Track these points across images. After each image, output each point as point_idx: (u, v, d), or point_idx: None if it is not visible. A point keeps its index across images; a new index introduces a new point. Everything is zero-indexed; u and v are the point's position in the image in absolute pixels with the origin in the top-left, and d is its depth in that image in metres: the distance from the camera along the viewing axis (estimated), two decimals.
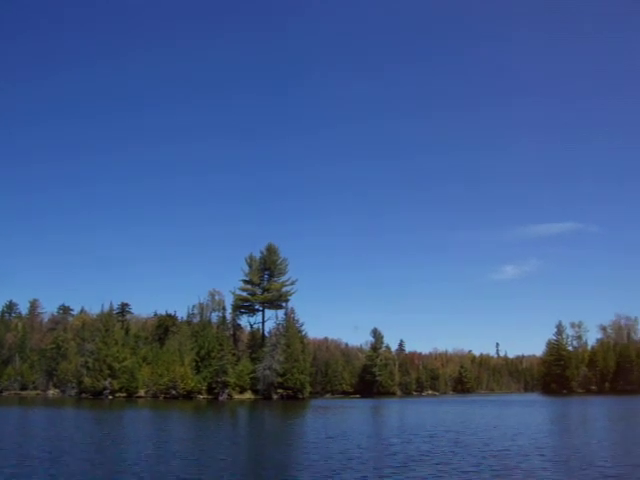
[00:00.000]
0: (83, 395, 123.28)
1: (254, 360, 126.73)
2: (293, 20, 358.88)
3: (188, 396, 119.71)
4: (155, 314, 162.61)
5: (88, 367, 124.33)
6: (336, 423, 50.82)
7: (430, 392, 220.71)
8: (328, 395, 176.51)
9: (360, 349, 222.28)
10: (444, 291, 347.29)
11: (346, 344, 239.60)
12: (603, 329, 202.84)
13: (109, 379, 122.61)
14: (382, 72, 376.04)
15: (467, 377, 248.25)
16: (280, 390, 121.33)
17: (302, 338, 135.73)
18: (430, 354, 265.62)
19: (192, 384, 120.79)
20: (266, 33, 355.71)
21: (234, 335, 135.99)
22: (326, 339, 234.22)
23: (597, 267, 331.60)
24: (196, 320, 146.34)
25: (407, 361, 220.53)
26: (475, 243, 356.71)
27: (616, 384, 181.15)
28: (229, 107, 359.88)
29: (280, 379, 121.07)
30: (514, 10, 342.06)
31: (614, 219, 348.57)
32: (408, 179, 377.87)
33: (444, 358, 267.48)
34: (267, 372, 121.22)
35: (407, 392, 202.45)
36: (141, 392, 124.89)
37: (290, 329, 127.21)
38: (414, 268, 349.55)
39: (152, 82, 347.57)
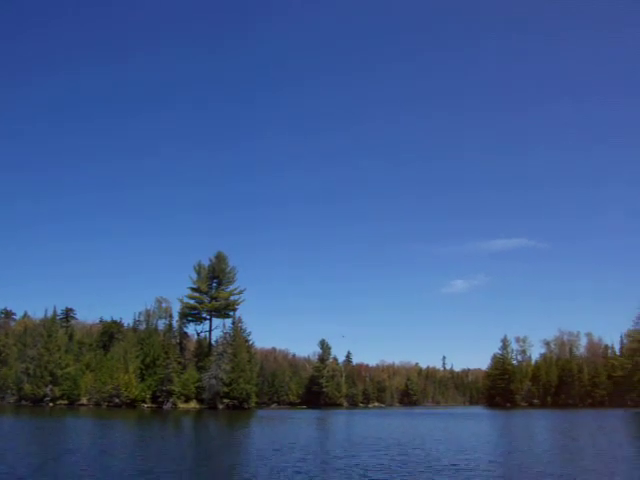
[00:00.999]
0: (22, 402, 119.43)
1: (200, 369, 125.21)
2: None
3: (131, 404, 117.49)
4: (100, 320, 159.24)
5: (29, 373, 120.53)
6: (282, 434, 50.22)
7: (376, 404, 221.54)
8: (274, 405, 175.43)
9: (308, 360, 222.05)
10: (393, 303, 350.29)
11: (294, 355, 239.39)
12: (547, 344, 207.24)
13: (50, 386, 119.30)
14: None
15: (413, 389, 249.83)
16: (226, 400, 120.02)
17: (249, 347, 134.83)
18: (377, 366, 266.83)
19: (136, 392, 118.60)
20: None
21: (180, 343, 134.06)
22: (274, 349, 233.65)
23: (543, 283, 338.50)
24: (142, 327, 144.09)
25: (354, 373, 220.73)
26: (426, 256, 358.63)
27: (558, 398, 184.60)
28: (181, 116, 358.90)
29: (226, 388, 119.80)
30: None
31: (563, 236, 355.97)
32: (360, 190, 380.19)
33: (391, 370, 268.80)
34: (213, 381, 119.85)
35: (353, 404, 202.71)
36: (83, 400, 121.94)
37: (237, 338, 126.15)
38: (364, 280, 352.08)
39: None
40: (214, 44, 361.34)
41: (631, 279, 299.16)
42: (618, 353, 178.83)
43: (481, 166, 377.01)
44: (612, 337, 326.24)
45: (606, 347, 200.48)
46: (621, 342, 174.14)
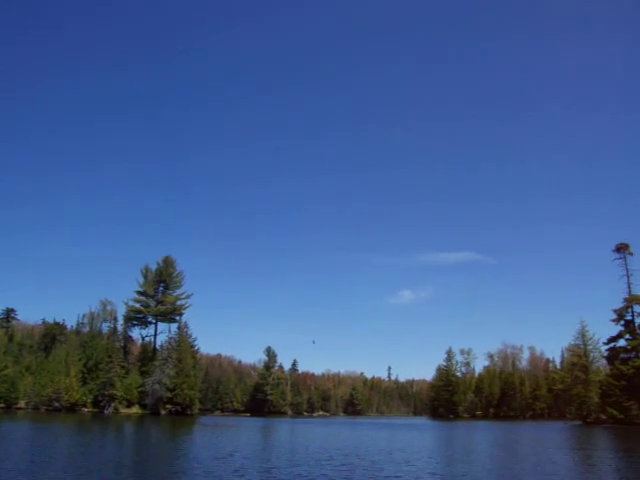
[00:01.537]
0: None
1: (144, 374, 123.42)
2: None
3: (72, 409, 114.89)
4: (43, 322, 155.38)
5: None
6: (224, 443, 49.51)
7: (321, 413, 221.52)
8: (218, 412, 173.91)
9: (253, 367, 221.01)
10: (341, 313, 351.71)
11: (239, 361, 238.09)
12: (490, 357, 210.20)
13: None
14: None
15: (358, 399, 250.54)
16: (169, 405, 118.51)
17: (194, 353, 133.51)
18: (323, 375, 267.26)
19: (77, 396, 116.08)
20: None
21: (125, 347, 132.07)
22: (219, 355, 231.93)
23: (489, 297, 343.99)
24: (86, 330, 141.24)
25: (299, 381, 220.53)
26: (375, 267, 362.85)
27: (500, 410, 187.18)
28: (129, 127, 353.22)
29: (169, 394, 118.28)
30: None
31: (508, 251, 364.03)
32: (311, 200, 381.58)
33: (336, 379, 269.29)
34: (156, 386, 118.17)
35: (298, 412, 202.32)
36: (21, 403, 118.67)
37: (182, 343, 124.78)
38: (312, 289, 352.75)
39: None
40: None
41: (573, 294, 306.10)
42: (559, 367, 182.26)
43: (431, 179, 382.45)
44: (553, 351, 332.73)
45: (547, 361, 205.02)
46: (562, 356, 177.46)
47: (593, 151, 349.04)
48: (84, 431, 61.83)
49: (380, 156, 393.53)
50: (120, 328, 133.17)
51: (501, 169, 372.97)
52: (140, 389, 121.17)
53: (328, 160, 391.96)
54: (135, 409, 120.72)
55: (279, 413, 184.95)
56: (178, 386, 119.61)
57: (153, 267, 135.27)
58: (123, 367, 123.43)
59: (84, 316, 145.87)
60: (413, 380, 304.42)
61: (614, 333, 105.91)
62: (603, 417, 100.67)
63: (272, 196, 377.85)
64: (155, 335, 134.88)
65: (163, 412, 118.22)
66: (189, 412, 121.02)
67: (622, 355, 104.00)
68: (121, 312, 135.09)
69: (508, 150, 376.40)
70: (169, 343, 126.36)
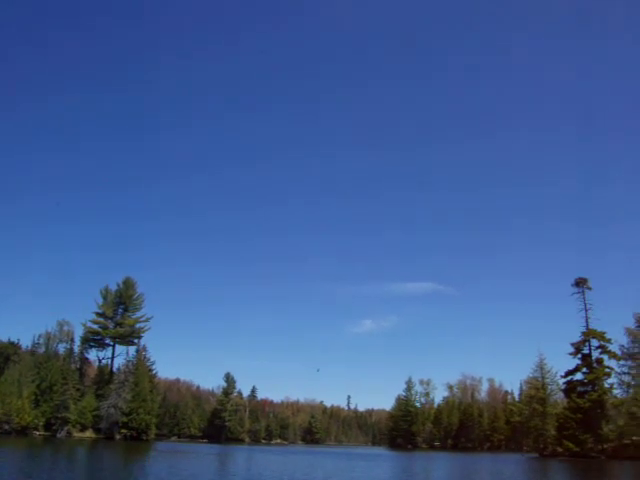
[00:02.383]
0: None
1: (99, 397, 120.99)
2: None
3: (23, 432, 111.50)
4: None
5: None
6: (180, 470, 48.56)
7: (279, 441, 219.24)
8: (174, 438, 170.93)
9: (212, 393, 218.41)
10: (302, 340, 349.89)
11: (198, 387, 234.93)
12: (450, 387, 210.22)
13: None
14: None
15: (317, 428, 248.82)
16: (124, 430, 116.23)
17: (152, 377, 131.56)
18: (282, 402, 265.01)
19: (29, 419, 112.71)
20: None
21: (81, 369, 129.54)
22: (178, 380, 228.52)
23: (449, 327, 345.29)
24: (41, 351, 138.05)
25: (258, 408, 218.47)
26: (336, 296, 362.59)
27: (458, 441, 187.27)
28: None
29: (125, 418, 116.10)
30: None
31: (469, 281, 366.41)
32: (273, 228, 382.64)
33: (295, 407, 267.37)
34: (112, 410, 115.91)
35: (256, 440, 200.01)
36: None
37: (140, 367, 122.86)
38: (273, 316, 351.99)
39: None
40: None
41: (533, 325, 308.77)
42: (517, 399, 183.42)
43: (394, 209, 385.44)
44: (512, 383, 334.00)
45: (506, 393, 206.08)
46: (520, 388, 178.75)
47: (552, 180, 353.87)
48: (33, 456, 60.03)
49: (344, 185, 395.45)
50: (77, 349, 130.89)
51: (463, 199, 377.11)
52: (95, 413, 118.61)
53: (291, 188, 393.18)
54: (89, 433, 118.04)
55: (237, 440, 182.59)
56: (134, 410, 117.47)
57: (113, 288, 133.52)
58: (78, 389, 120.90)
59: (40, 336, 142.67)
60: (372, 410, 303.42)
61: (572, 366, 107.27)
62: (559, 450, 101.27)
63: (234, 224, 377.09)
64: (112, 358, 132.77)
65: (118, 437, 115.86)
66: (144, 437, 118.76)
67: (579, 388, 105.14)
68: (78, 333, 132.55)
69: (470, 179, 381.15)
70: (126, 366, 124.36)
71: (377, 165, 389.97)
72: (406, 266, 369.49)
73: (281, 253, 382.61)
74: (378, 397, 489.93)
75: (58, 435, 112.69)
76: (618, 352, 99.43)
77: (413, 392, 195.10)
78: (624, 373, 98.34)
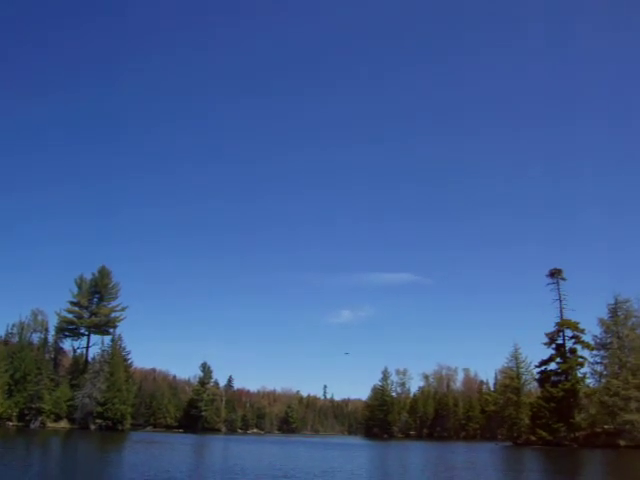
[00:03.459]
0: None
1: (74, 387, 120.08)
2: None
3: None
4: None
5: None
6: (156, 460, 48.29)
7: (255, 430, 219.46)
8: (150, 428, 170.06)
9: (188, 382, 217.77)
10: (279, 330, 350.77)
11: (174, 376, 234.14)
12: (426, 377, 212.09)
13: None
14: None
15: (293, 417, 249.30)
16: (99, 420, 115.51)
17: (127, 367, 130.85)
18: (258, 392, 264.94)
19: (2, 410, 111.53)
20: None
21: (55, 359, 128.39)
22: (154, 370, 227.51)
23: (425, 318, 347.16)
24: (15, 340, 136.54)
25: (235, 398, 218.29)
26: (314, 286, 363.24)
27: (433, 430, 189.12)
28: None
29: (100, 408, 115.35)
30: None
31: (446, 272, 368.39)
32: (252, 219, 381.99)
33: (272, 397, 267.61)
34: (86, 400, 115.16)
35: (232, 429, 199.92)
36: None
37: (115, 356, 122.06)
38: (251, 306, 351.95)
39: None
40: None
41: (508, 316, 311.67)
42: (492, 389, 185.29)
43: (371, 199, 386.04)
44: (487, 373, 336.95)
45: (481, 382, 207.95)
46: (495, 378, 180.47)
47: (528, 171, 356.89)
48: (4, 446, 59.50)
49: (320, 176, 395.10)
50: (51, 339, 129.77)
51: (440, 189, 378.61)
52: (69, 403, 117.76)
53: (269, 179, 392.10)
54: (63, 423, 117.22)
55: (213, 430, 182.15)
56: (109, 400, 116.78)
57: (88, 277, 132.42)
58: (52, 379, 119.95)
59: (13, 326, 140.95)
60: (349, 399, 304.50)
61: (546, 356, 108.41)
62: (533, 438, 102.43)
63: (211, 214, 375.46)
64: (87, 347, 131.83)
65: (93, 427, 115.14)
66: (120, 427, 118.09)
67: (553, 378, 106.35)
68: (53, 323, 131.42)
69: (447, 170, 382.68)
70: (101, 356, 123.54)
71: (355, 156, 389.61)
72: (384, 257, 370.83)
73: (258, 244, 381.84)
74: (355, 387, 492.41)
75: (32, 426, 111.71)
76: (591, 342, 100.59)
77: (389, 382, 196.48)
78: (597, 363, 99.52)
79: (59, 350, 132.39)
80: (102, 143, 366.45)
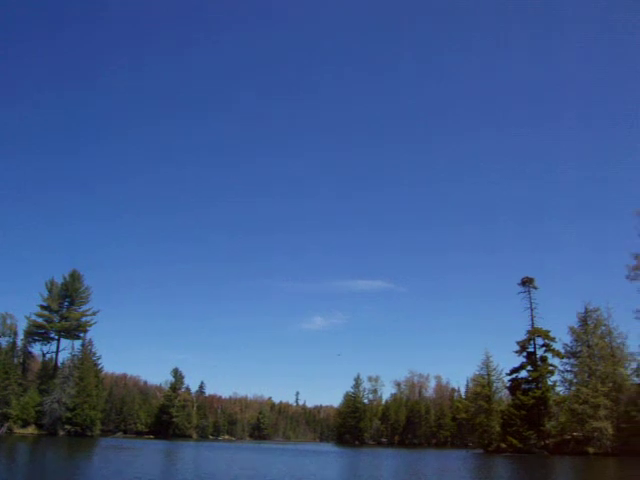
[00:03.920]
0: None
1: (43, 392, 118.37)
2: None
3: None
4: None
5: None
6: (125, 468, 47.67)
7: (227, 437, 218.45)
8: (119, 434, 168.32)
9: (159, 388, 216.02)
10: (252, 336, 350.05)
11: (145, 382, 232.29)
12: (397, 385, 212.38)
13: None
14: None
15: (265, 424, 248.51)
16: (68, 426, 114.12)
17: (98, 372, 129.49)
18: (230, 398, 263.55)
19: None
20: None
21: (24, 363, 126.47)
22: (124, 375, 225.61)
23: (398, 325, 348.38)
24: None
25: (206, 404, 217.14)
26: (287, 293, 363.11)
27: (405, 437, 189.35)
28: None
29: (69, 414, 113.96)
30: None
31: (419, 281, 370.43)
32: (223, 226, 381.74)
33: (244, 403, 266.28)
34: (55, 405, 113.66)
35: (203, 435, 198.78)
36: None
37: (86, 361, 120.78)
38: (225, 312, 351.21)
39: None
40: None
41: (480, 323, 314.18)
42: (463, 396, 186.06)
43: (344, 206, 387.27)
44: (459, 380, 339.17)
45: (453, 390, 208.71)
46: (467, 386, 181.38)
47: (500, 178, 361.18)
48: None
49: (291, 182, 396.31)
50: (20, 343, 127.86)
51: (413, 196, 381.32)
52: (38, 408, 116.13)
53: (238, 187, 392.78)
54: (31, 429, 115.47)
55: (184, 436, 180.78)
56: (79, 406, 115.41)
57: (59, 281, 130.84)
58: (20, 384, 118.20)
59: None
60: (321, 406, 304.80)
61: (517, 364, 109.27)
62: (503, 446, 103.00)
63: (183, 223, 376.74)
64: (57, 352, 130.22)
65: (61, 433, 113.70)
66: (89, 433, 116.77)
67: (523, 386, 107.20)
68: (22, 327, 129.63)
69: (417, 176, 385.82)
70: (71, 360, 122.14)
71: (325, 164, 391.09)
72: (357, 264, 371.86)
73: (231, 251, 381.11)
74: (327, 393, 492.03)
75: None
76: (562, 350, 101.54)
77: (361, 389, 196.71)
78: (567, 371, 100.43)
79: (28, 354, 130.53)
80: (65, 145, 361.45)
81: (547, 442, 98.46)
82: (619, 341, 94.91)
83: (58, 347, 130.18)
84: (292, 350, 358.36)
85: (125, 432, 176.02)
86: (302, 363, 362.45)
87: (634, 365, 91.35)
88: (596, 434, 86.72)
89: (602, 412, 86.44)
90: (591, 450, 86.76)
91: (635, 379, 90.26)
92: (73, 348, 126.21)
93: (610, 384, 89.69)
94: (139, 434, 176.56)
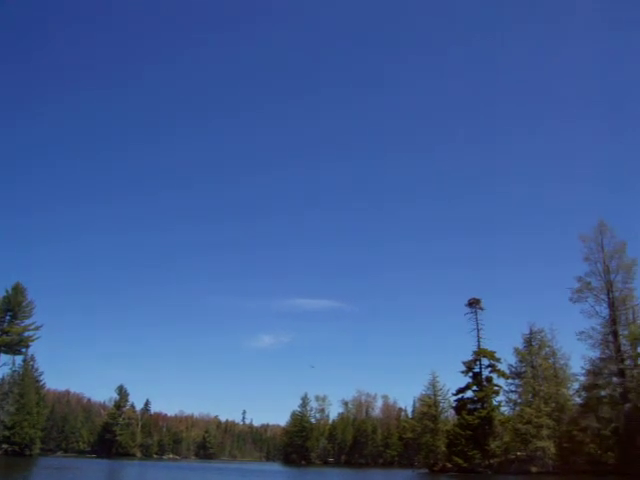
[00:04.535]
0: None
1: None
2: None
3: None
4: None
5: None
6: None
7: (172, 456, 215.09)
8: (60, 453, 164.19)
9: (103, 405, 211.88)
10: (198, 354, 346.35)
11: (89, 399, 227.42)
12: (345, 404, 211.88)
13: None
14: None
15: (211, 442, 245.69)
16: (5, 445, 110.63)
17: (39, 388, 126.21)
18: (176, 416, 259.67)
19: None
20: None
21: None
22: (67, 392, 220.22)
23: (346, 344, 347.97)
24: None
25: (151, 422, 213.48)
26: (234, 310, 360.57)
27: (352, 457, 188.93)
28: None
29: (7, 432, 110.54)
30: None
31: (368, 301, 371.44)
32: (174, 246, 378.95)
33: (190, 421, 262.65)
34: None
35: (147, 454, 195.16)
36: None
37: (27, 377, 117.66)
38: (170, 329, 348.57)
39: None
40: None
41: (427, 343, 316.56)
42: (410, 416, 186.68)
43: (294, 225, 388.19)
44: (406, 400, 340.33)
45: (400, 409, 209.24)
46: (413, 405, 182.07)
47: (450, 194, 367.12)
48: None
49: (243, 203, 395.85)
50: None
51: (360, 217, 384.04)
52: None
53: (192, 208, 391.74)
54: None
55: (127, 455, 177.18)
56: (18, 424, 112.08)
57: (1, 294, 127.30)
58: None
59: None
60: (268, 425, 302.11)
61: (463, 384, 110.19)
62: (449, 465, 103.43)
63: (135, 236, 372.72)
64: None
65: None
66: (28, 453, 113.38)
67: (469, 406, 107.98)
68: None
69: (368, 195, 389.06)
70: (11, 377, 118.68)
71: (272, 183, 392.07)
72: (305, 283, 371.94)
73: (178, 267, 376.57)
74: (274, 412, 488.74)
75: None
76: (507, 371, 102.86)
77: (308, 408, 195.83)
78: (511, 391, 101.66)
79: None
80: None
81: (491, 461, 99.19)
82: (562, 362, 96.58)
83: None
84: (239, 368, 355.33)
85: (66, 451, 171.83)
86: (249, 382, 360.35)
87: (576, 386, 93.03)
88: (539, 453, 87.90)
89: (545, 432, 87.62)
90: (534, 469, 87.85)
91: (577, 399, 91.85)
92: (14, 364, 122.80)
93: (553, 404, 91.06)
94: (81, 453, 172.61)
